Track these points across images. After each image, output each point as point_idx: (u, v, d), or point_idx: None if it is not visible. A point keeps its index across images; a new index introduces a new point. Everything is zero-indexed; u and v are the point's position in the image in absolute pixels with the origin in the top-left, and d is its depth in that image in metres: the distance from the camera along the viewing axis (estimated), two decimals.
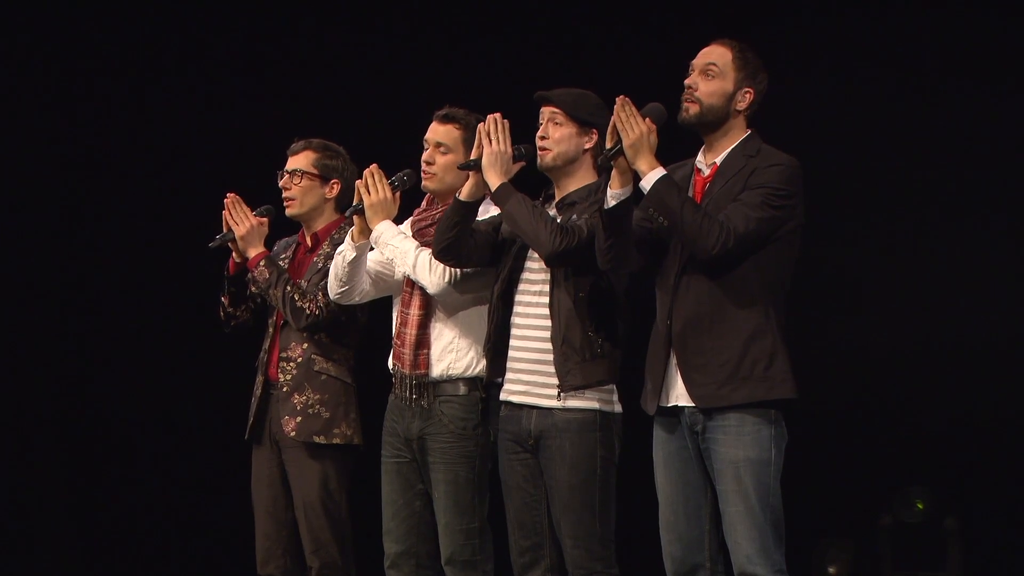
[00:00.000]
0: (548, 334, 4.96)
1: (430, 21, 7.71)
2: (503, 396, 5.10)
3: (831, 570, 7.38)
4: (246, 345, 5.89)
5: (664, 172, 4.59)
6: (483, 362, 5.20)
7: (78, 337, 8.00)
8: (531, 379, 5.01)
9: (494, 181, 4.97)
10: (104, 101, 7.93)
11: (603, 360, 4.94)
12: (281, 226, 5.87)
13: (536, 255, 4.99)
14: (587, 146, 5.04)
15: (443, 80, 7.29)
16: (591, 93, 5.08)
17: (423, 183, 5.37)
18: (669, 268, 4.72)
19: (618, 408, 5.00)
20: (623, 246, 4.67)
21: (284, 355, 5.65)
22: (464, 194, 5.06)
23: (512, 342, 5.07)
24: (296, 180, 5.74)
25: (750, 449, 4.59)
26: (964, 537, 7.26)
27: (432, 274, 5.20)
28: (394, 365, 5.39)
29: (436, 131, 5.34)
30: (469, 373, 5.27)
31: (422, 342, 5.30)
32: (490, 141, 5.00)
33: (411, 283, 5.33)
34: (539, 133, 5.04)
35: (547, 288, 5.00)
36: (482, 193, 5.06)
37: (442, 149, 5.33)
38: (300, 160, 5.77)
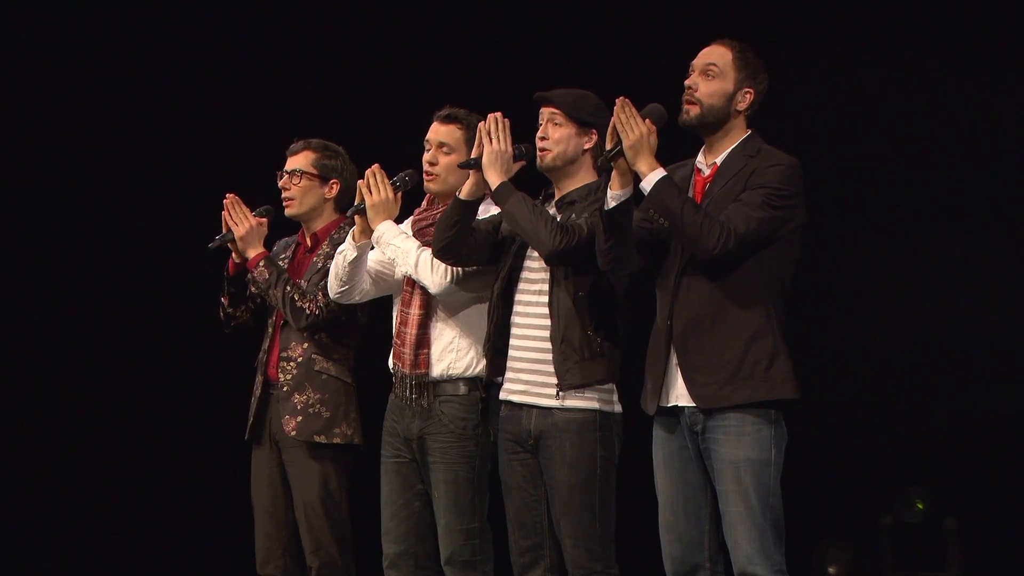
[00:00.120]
0: (548, 333, 4.96)
1: (430, 21, 7.70)
2: (503, 396, 5.10)
3: (831, 570, 7.38)
4: (246, 345, 5.89)
5: (664, 173, 4.59)
6: (483, 362, 5.20)
7: (78, 337, 7.99)
8: (531, 378, 5.01)
9: (494, 180, 4.97)
10: (104, 101, 7.92)
11: (602, 359, 4.94)
12: (281, 226, 5.87)
13: (536, 254, 4.99)
14: (587, 146, 5.03)
15: (443, 80, 7.28)
16: (591, 93, 5.07)
17: (426, 184, 5.35)
18: (670, 269, 4.71)
19: (618, 408, 5.00)
20: (623, 247, 4.66)
21: (284, 355, 5.65)
22: (464, 193, 5.06)
23: (512, 341, 5.06)
24: (295, 180, 5.74)
25: (750, 449, 4.59)
26: (964, 537, 7.26)
27: (434, 274, 5.19)
28: (394, 365, 5.38)
29: (438, 131, 5.32)
30: (469, 373, 5.27)
31: (422, 342, 5.30)
32: (491, 140, 4.99)
33: (411, 282, 5.33)
34: (539, 133, 5.04)
35: (547, 287, 4.99)
36: (482, 192, 5.06)
37: (445, 149, 5.31)
38: (299, 160, 5.76)
